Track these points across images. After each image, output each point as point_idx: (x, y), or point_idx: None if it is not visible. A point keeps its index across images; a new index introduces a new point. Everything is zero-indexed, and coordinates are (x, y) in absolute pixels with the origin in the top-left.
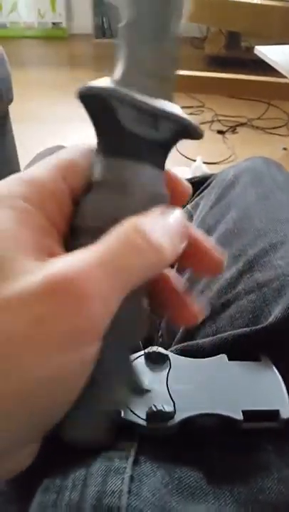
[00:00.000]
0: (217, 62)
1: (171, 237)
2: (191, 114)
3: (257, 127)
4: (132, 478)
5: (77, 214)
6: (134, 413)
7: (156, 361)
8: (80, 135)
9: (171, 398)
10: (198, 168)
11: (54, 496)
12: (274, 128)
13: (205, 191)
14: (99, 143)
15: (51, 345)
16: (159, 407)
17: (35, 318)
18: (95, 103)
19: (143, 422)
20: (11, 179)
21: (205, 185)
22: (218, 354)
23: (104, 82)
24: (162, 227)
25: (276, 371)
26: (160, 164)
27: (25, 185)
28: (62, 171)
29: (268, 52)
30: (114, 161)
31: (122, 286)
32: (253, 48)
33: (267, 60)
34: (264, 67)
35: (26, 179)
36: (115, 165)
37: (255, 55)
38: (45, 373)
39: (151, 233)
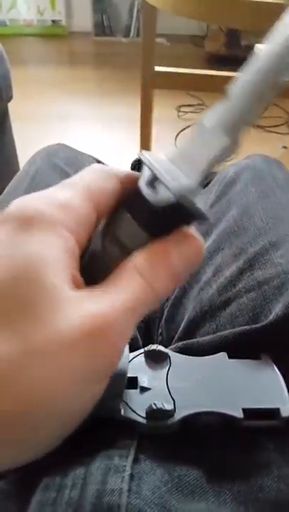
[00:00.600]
0: (217, 60)
1: (173, 278)
2: (191, 112)
3: (256, 125)
4: (131, 477)
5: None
6: (133, 411)
7: (156, 359)
8: (79, 133)
9: (171, 396)
10: None
11: (54, 494)
12: (274, 126)
13: (205, 189)
14: (143, 218)
15: (92, 380)
16: (159, 405)
17: (82, 355)
18: (176, 209)
19: (143, 420)
20: (48, 201)
21: (205, 182)
22: (219, 352)
23: (187, 186)
24: (166, 269)
25: (276, 369)
26: None
27: (64, 212)
28: (93, 198)
29: None
30: (144, 234)
31: (134, 327)
32: (253, 45)
33: None
34: None
35: (63, 205)
36: (144, 237)
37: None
38: (80, 405)
39: (156, 281)
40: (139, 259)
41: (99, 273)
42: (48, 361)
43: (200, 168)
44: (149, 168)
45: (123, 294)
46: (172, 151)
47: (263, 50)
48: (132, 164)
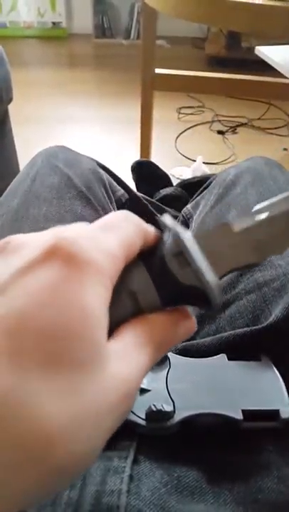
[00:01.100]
0: (217, 62)
1: (167, 351)
2: (191, 114)
3: (257, 127)
4: (131, 478)
5: None
6: (133, 413)
7: None
8: (79, 134)
9: (171, 398)
10: (198, 168)
11: (53, 495)
12: (274, 128)
13: (205, 191)
14: (163, 284)
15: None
16: (159, 407)
17: (115, 416)
18: (198, 293)
19: (142, 422)
20: (96, 246)
21: (205, 184)
22: (218, 354)
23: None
24: (168, 346)
25: (276, 371)
26: None
27: (109, 261)
28: (127, 250)
29: (268, 52)
30: (158, 298)
31: None
32: (253, 48)
33: (267, 60)
34: (264, 67)
35: (110, 253)
36: (156, 301)
37: (256, 55)
38: (99, 452)
39: (158, 357)
40: (149, 337)
41: (110, 321)
42: (93, 423)
43: (227, 267)
44: (182, 247)
45: (139, 364)
46: (199, 236)
47: None
48: (131, 167)
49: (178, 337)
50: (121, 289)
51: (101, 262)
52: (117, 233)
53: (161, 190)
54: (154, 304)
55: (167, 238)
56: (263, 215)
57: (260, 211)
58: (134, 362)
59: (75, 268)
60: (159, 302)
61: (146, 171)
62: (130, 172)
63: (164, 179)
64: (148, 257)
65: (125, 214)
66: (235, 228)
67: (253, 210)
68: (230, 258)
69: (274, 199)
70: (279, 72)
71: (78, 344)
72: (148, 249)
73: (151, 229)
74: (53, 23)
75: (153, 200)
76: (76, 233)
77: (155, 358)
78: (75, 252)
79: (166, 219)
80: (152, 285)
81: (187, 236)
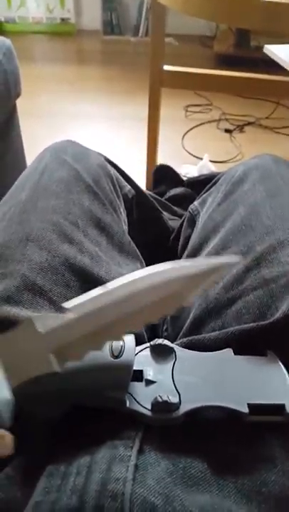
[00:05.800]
0: (226, 61)
1: None
2: (199, 112)
3: (265, 126)
4: (136, 467)
5: None
6: (139, 403)
7: (161, 353)
8: (86, 131)
9: (177, 390)
10: (205, 167)
11: (58, 482)
12: (282, 128)
13: (212, 188)
14: None
15: None
16: (165, 398)
17: None
18: None
19: (148, 412)
20: None
21: (213, 181)
22: (224, 348)
23: None
24: None
25: (282, 366)
26: None
27: None
28: None
29: (277, 51)
30: None
31: None
32: (262, 46)
33: (275, 59)
34: (273, 66)
35: None
36: None
37: (265, 53)
38: None
39: None
40: None
41: None
42: None
43: (24, 377)
44: None
45: None
46: (4, 338)
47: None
48: (152, 173)
49: None
50: None
51: None
52: None
53: (171, 190)
54: None
55: None
56: (70, 315)
57: (68, 310)
58: None
59: None
60: None
61: (165, 175)
62: (137, 168)
63: (179, 184)
64: None
65: None
66: (39, 327)
67: (66, 307)
68: (29, 367)
69: (83, 297)
70: (288, 71)
71: None
72: None
73: None
74: (62, 19)
75: (159, 198)
76: None
77: None
78: None
79: None
80: None
81: None
